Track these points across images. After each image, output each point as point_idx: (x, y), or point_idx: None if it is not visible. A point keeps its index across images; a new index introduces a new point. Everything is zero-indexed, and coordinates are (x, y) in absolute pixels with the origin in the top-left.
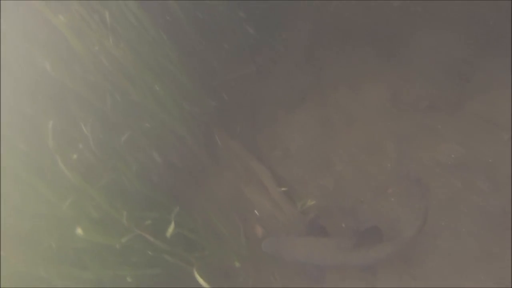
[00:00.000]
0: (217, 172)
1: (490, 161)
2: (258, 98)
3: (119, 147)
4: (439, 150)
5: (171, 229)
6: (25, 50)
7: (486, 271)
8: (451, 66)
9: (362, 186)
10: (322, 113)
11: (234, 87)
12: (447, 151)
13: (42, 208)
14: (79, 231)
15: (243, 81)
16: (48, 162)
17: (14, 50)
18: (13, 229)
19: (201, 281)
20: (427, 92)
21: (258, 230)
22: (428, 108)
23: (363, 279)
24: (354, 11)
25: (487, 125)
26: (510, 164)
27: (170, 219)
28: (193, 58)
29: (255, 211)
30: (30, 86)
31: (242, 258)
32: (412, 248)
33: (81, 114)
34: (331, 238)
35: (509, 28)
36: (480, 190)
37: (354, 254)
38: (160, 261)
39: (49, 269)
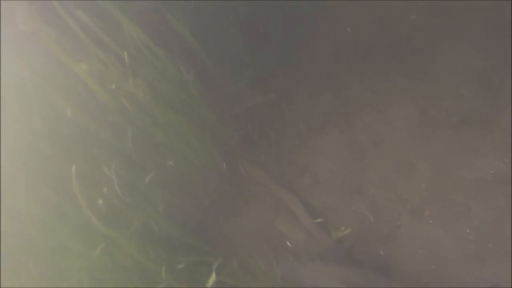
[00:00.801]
0: (244, 205)
1: None
2: (280, 124)
3: (144, 188)
4: (476, 166)
5: (212, 279)
6: (45, 95)
7: None
8: (478, 78)
9: (398, 210)
10: (349, 135)
11: (255, 114)
12: (485, 167)
13: (71, 259)
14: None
15: (264, 107)
16: (72, 208)
17: (34, 95)
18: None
19: None
20: (457, 106)
21: None
22: (460, 123)
23: None
24: (372, 30)
25: None
26: None
27: (203, 261)
28: (212, 88)
29: (287, 242)
30: (50, 130)
31: None
32: None
33: (103, 156)
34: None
35: None
36: None
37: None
38: None
39: None
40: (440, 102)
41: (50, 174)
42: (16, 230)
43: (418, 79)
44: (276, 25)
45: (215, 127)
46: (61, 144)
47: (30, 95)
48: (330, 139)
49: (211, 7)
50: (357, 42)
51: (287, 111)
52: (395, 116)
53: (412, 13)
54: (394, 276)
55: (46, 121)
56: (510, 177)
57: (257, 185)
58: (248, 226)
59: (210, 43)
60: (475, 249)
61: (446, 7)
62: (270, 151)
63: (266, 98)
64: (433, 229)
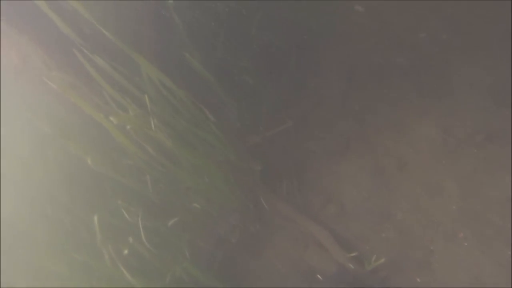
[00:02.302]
0: (271, 240)
1: None
2: (300, 152)
3: (168, 233)
4: (507, 184)
5: None
6: (63, 143)
7: None
8: (499, 93)
9: (430, 234)
10: (371, 160)
11: (273, 145)
12: None
13: None
14: None
15: (282, 137)
16: (97, 261)
17: (51, 144)
18: None
19: None
20: (480, 123)
21: None
22: (485, 141)
23: None
24: (384, 50)
25: None
26: None
27: None
28: (229, 124)
29: (318, 275)
30: (69, 179)
31: None
32: None
33: (125, 203)
34: None
35: None
36: None
37: None
38: None
39: None
40: (463, 121)
41: (72, 226)
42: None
43: (436, 97)
44: (289, 53)
45: (235, 163)
46: (81, 193)
47: (46, 144)
48: (353, 165)
49: (224, 40)
50: (369, 64)
51: (305, 139)
52: (417, 138)
53: (422, 31)
54: None
55: (64, 170)
56: None
57: (282, 218)
58: (276, 261)
59: (224, 76)
60: None
61: (457, 22)
62: (292, 182)
63: (284, 127)
64: (470, 252)
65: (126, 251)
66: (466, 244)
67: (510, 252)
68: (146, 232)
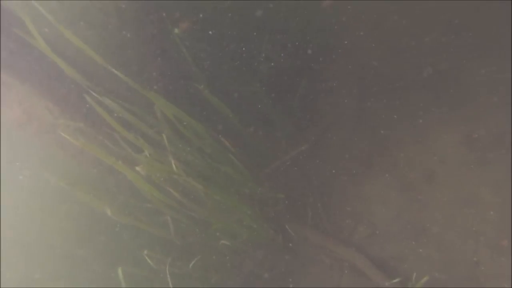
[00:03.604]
0: (304, 270)
1: None
2: (321, 175)
3: (197, 275)
4: None
5: None
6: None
7: None
8: None
9: (471, 245)
10: (396, 175)
11: (294, 170)
12: None
13: None
14: None
15: (301, 161)
16: None
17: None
18: None
19: None
20: (506, 127)
21: None
22: None
23: None
24: (394, 62)
25: None
26: None
27: None
28: (247, 152)
29: None
30: (86, 232)
31: None
32: None
33: (149, 251)
34: None
35: None
36: None
37: None
38: None
39: None
40: (486, 125)
41: (94, 283)
42: None
43: (455, 104)
44: (299, 74)
45: (257, 193)
46: (100, 247)
47: (58, 199)
48: (378, 182)
49: (233, 68)
50: (381, 77)
51: (325, 161)
52: (441, 147)
53: (427, 36)
54: None
55: (79, 224)
56: None
57: (312, 246)
58: None
59: (236, 104)
60: None
61: (462, 25)
62: (317, 207)
63: (300, 149)
64: None
65: None
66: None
67: None
68: (173, 278)
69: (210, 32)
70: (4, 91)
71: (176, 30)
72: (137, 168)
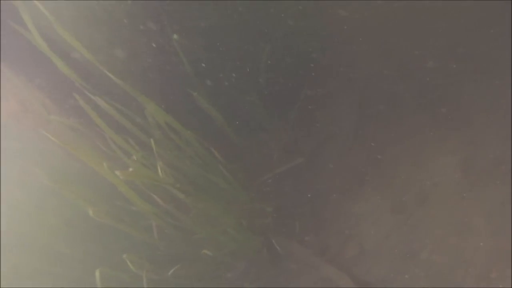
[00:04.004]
0: (287, 286)
1: None
2: (312, 191)
3: (177, 283)
4: None
5: None
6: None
7: None
8: None
9: (459, 274)
10: (389, 196)
11: (285, 184)
12: None
13: None
14: None
15: (293, 175)
16: None
17: (49, 195)
18: None
19: None
20: (503, 153)
21: None
22: (510, 171)
23: None
24: (393, 80)
25: None
26: None
27: None
28: (239, 163)
29: None
30: (69, 230)
31: None
32: None
33: (130, 254)
34: None
35: None
36: None
37: None
38: None
39: None
40: (484, 149)
41: (73, 281)
42: None
43: (453, 127)
44: (297, 87)
45: (245, 205)
46: (82, 246)
47: (45, 195)
48: (370, 202)
49: (231, 77)
50: (379, 95)
51: (318, 176)
52: (436, 170)
53: (429, 59)
54: None
55: (64, 221)
56: None
57: (297, 262)
58: None
59: (231, 114)
60: None
61: (466, 48)
62: (306, 223)
63: (294, 163)
64: None
65: None
66: (500, 285)
67: None
68: (153, 284)
69: (209, 40)
70: (2, 82)
71: (175, 36)
72: (117, 173)
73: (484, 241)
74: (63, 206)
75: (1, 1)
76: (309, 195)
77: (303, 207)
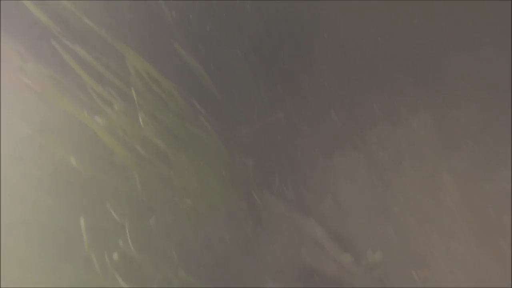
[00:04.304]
0: (265, 237)
1: None
2: (292, 147)
3: (157, 234)
4: (503, 176)
5: None
6: (43, 144)
7: None
8: (495, 85)
9: (426, 228)
10: (366, 153)
11: (265, 139)
12: None
13: None
14: None
15: (273, 130)
16: (87, 267)
17: (30, 145)
18: None
19: None
20: (477, 116)
21: None
22: (481, 133)
23: None
24: (376, 40)
25: None
26: None
27: None
28: (219, 117)
29: (314, 274)
30: (52, 182)
31: None
32: None
33: (113, 204)
34: None
35: None
36: None
37: None
38: None
39: None
40: (459, 112)
41: (56, 231)
42: None
43: (430, 88)
44: (280, 44)
45: (226, 157)
46: (65, 196)
47: (24, 145)
48: (347, 159)
49: (214, 29)
50: (362, 54)
51: (297, 132)
52: (412, 130)
53: (414, 17)
54: None
55: (45, 172)
56: None
57: (275, 215)
58: (271, 260)
59: (214, 68)
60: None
61: (452, 10)
62: (285, 177)
63: (274, 118)
64: (467, 247)
65: (116, 255)
66: (462, 238)
67: (508, 247)
68: (136, 234)
69: None
70: None
71: None
72: (97, 119)
73: (452, 197)
74: (44, 158)
75: None
76: (288, 150)
77: (283, 162)
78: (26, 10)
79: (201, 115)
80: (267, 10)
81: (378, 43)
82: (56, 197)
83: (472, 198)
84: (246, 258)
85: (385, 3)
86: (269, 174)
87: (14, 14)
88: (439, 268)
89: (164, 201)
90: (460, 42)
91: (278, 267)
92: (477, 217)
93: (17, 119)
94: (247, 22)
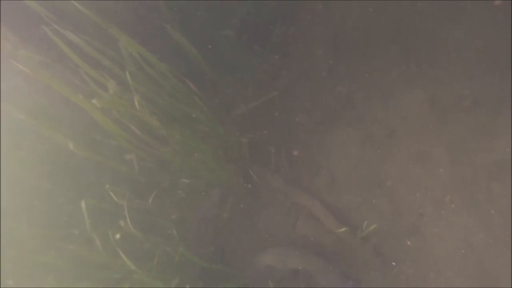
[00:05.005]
0: (262, 213)
1: None
2: (287, 123)
3: (157, 212)
4: (494, 148)
5: None
6: (40, 130)
7: None
8: (486, 58)
9: (418, 199)
10: (359, 129)
11: (260, 116)
12: (502, 147)
13: None
14: None
15: (268, 108)
16: (89, 247)
17: (27, 131)
18: None
19: None
20: (468, 89)
21: None
22: (473, 106)
23: None
24: (369, 16)
25: None
26: None
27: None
28: (213, 95)
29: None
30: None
31: None
32: None
33: (112, 186)
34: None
35: None
36: None
37: None
38: None
39: None
40: (450, 86)
41: (57, 214)
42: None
43: (423, 63)
44: (272, 21)
45: (222, 136)
46: (64, 180)
47: (21, 132)
48: (341, 134)
49: (205, 9)
50: (354, 30)
51: (292, 109)
52: (405, 105)
53: None
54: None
55: (43, 157)
56: None
57: (272, 190)
58: (267, 235)
59: (206, 47)
60: (503, 232)
61: None
62: (281, 154)
63: (268, 97)
64: (457, 215)
65: (118, 235)
66: (453, 206)
67: (493, 212)
68: (136, 213)
69: None
70: None
71: None
72: (94, 101)
73: (444, 169)
74: (40, 144)
75: None
76: (283, 128)
77: (278, 139)
78: None
79: (196, 95)
80: None
81: (370, 19)
82: (53, 182)
83: (463, 170)
84: (243, 234)
85: None
86: (264, 152)
87: (4, 1)
88: (431, 235)
89: (161, 181)
90: (452, 16)
91: (276, 242)
92: (468, 187)
93: (12, 106)
94: (239, 2)
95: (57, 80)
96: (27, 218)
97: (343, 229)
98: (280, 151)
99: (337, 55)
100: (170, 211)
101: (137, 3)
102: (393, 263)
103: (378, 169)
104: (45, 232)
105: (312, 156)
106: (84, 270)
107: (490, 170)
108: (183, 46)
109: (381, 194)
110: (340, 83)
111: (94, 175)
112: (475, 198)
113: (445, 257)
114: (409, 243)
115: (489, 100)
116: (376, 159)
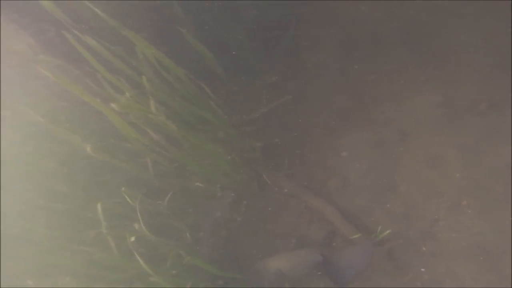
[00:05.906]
0: (275, 217)
1: None
2: (300, 127)
3: (171, 215)
4: (508, 152)
5: None
6: (56, 134)
7: None
8: (500, 60)
9: (434, 203)
10: (371, 132)
11: (273, 120)
12: None
13: None
14: None
15: (281, 112)
16: (104, 250)
17: (43, 136)
18: None
19: None
20: (483, 92)
21: None
22: (488, 109)
23: None
24: (379, 19)
25: None
26: None
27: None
28: (228, 100)
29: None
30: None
31: None
32: None
33: (127, 189)
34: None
35: None
36: None
37: None
38: None
39: None
40: (465, 88)
41: (74, 217)
42: None
43: (436, 66)
44: (285, 25)
45: (235, 140)
46: (80, 183)
47: (39, 135)
48: (354, 138)
49: (219, 14)
50: (365, 34)
51: (304, 113)
52: (417, 108)
53: None
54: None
55: (59, 161)
56: None
57: (285, 195)
58: (281, 239)
59: (220, 51)
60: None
61: None
62: (294, 158)
63: (282, 101)
64: (473, 220)
65: (132, 238)
66: (469, 211)
67: (510, 219)
68: (150, 216)
69: None
70: None
71: None
72: (112, 105)
73: (458, 172)
74: (57, 147)
75: None
76: (296, 131)
77: (291, 143)
78: (35, 3)
79: (211, 99)
80: None
81: (382, 21)
82: (70, 185)
83: (479, 174)
84: (257, 238)
85: None
86: (278, 156)
87: (23, 7)
88: (447, 241)
89: (176, 185)
90: (464, 19)
91: (288, 245)
92: (481, 191)
93: (29, 109)
94: (252, 3)
95: (76, 84)
96: (44, 220)
97: (357, 235)
98: (293, 155)
99: (349, 58)
100: (184, 215)
101: (153, 8)
102: (422, 269)
103: (392, 172)
104: (61, 234)
105: (325, 160)
106: (99, 272)
107: (505, 175)
108: (198, 51)
109: (395, 198)
110: (352, 87)
111: (110, 178)
112: (492, 204)
113: (462, 263)
114: (424, 248)
115: (503, 102)
116: (389, 162)
